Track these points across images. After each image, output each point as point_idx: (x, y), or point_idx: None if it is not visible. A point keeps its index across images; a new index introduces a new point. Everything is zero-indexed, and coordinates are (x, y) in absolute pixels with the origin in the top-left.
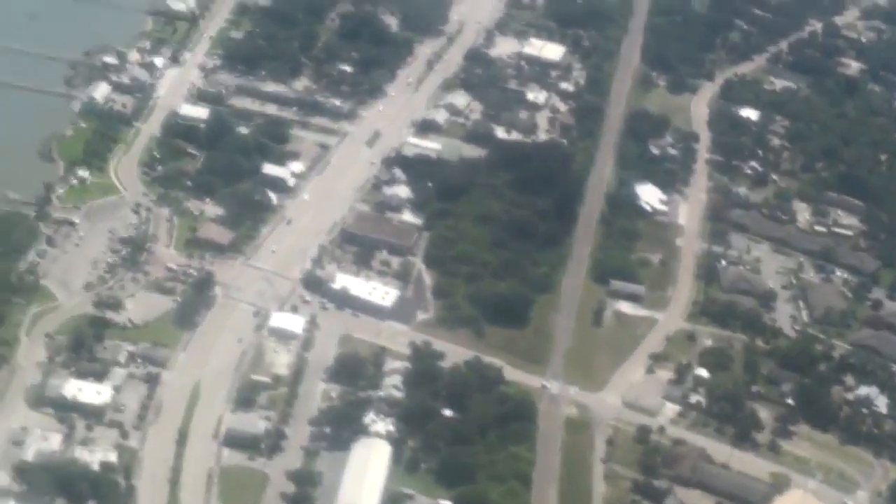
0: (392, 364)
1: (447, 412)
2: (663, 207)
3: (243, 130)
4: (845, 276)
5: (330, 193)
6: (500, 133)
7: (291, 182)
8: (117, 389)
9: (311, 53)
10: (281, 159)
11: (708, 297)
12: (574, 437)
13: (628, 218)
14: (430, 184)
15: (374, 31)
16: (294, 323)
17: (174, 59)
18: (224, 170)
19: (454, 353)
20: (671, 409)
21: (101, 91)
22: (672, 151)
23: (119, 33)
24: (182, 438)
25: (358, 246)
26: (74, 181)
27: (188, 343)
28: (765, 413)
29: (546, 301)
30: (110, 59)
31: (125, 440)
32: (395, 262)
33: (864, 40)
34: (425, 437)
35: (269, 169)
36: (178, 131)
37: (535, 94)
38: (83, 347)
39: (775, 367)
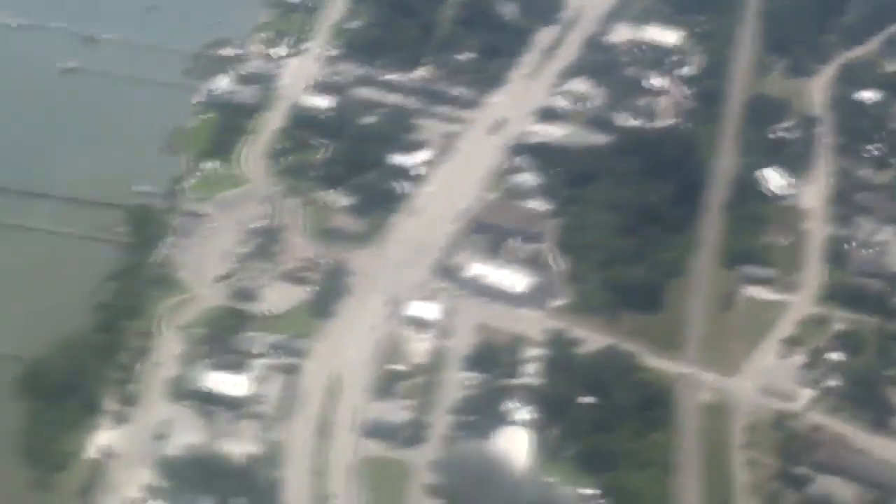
0: (529, 351)
1: (586, 399)
2: (788, 191)
3: (367, 120)
4: None
5: (457, 182)
6: (622, 119)
7: (418, 171)
8: (257, 381)
9: (430, 42)
10: (407, 148)
11: (837, 281)
12: (712, 424)
13: (754, 202)
14: (556, 171)
15: (491, 19)
16: (429, 311)
17: (294, 50)
18: (351, 160)
19: (590, 339)
20: (806, 393)
21: (222, 83)
22: (793, 135)
23: (238, 24)
24: (323, 429)
25: (488, 234)
26: (202, 173)
27: (325, 333)
28: None
29: (677, 286)
30: (231, 51)
31: (267, 432)
32: (526, 249)
33: None
34: (565, 424)
35: (396, 158)
36: (302, 122)
37: (654, 80)
38: (221, 339)
39: None
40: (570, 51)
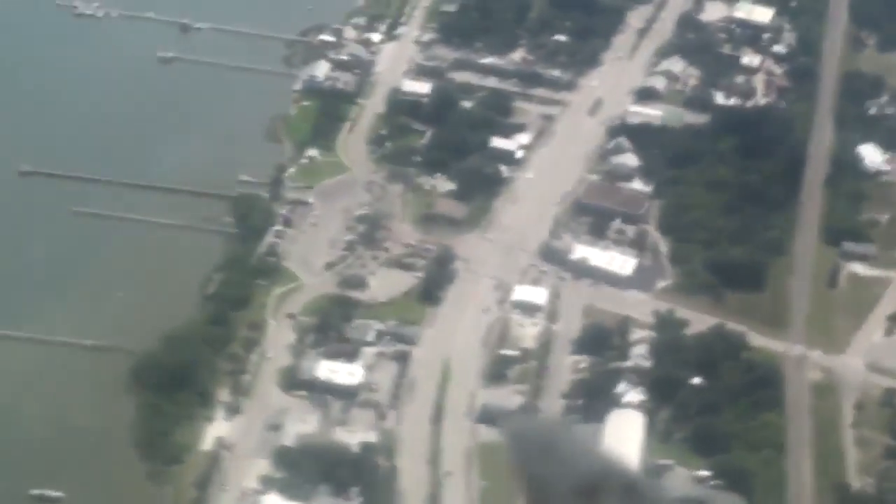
0: (637, 333)
1: (696, 380)
2: (887, 167)
3: (467, 104)
4: None
5: (558, 164)
6: (720, 98)
7: (519, 154)
8: (369, 369)
9: (525, 25)
10: (507, 132)
11: None
12: (821, 402)
13: (853, 179)
14: (656, 152)
15: (585, 0)
16: (537, 295)
17: (390, 35)
18: (452, 145)
19: (697, 319)
20: None
21: (321, 69)
22: (890, 111)
23: (333, 10)
24: (437, 416)
25: (591, 216)
26: (304, 161)
27: (434, 319)
28: None
29: (780, 264)
30: (327, 37)
31: (382, 420)
32: (629, 230)
33: None
34: (676, 406)
35: (497, 142)
36: (401, 107)
37: (749, 58)
38: (331, 327)
39: None
40: (663, 30)
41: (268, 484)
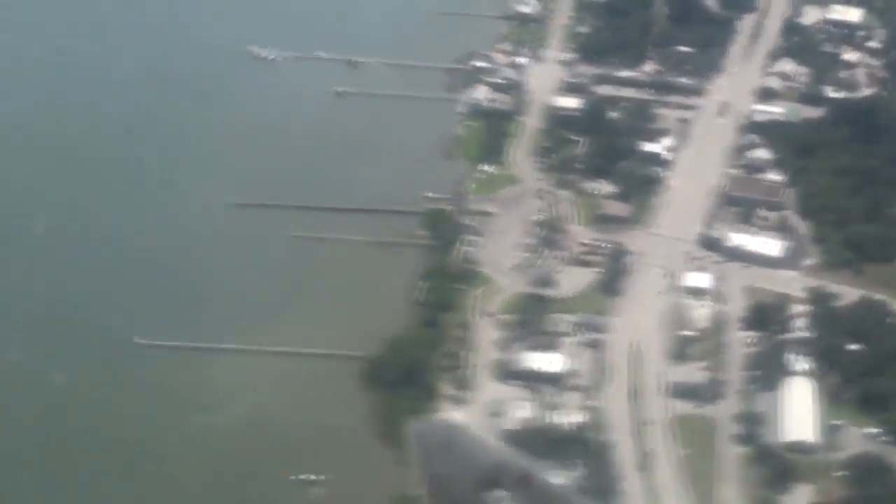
0: (794, 308)
1: (853, 346)
2: None
3: (613, 115)
4: None
5: (700, 162)
6: (830, 93)
7: (666, 155)
8: (569, 357)
9: (651, 40)
10: (652, 136)
11: None
12: None
13: None
14: (785, 144)
15: (699, 14)
16: (703, 280)
17: (535, 57)
18: (607, 151)
19: (843, 292)
20: None
21: (481, 93)
22: None
23: (481, 39)
24: (634, 394)
25: (737, 206)
26: (480, 175)
27: (617, 308)
28: None
29: None
30: (481, 63)
31: (587, 401)
32: (772, 216)
33: None
34: (841, 371)
35: (645, 146)
36: (556, 121)
37: (848, 55)
38: (530, 322)
39: None
40: (770, 35)
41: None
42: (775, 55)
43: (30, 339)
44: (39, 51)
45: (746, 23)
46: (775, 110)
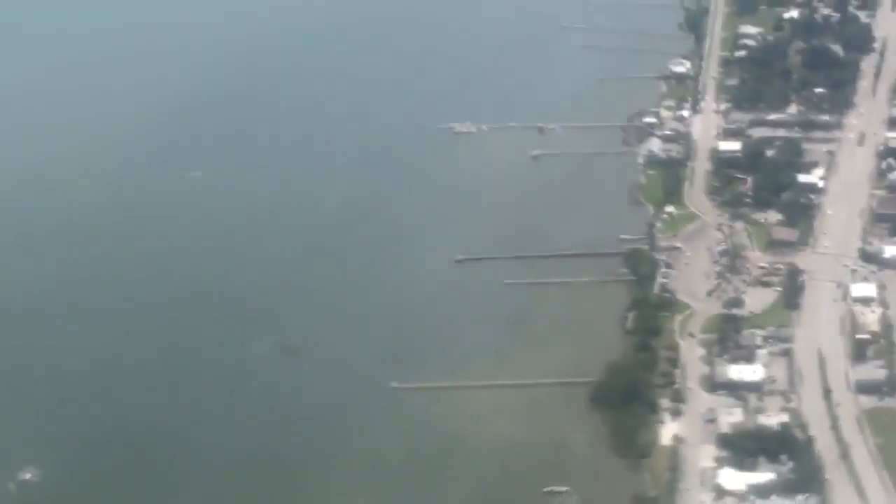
0: None
1: None
2: None
3: (769, 153)
4: None
5: (849, 186)
6: None
7: (820, 184)
8: (765, 366)
9: (790, 85)
10: (806, 168)
11: None
12: None
13: None
14: None
15: (828, 58)
16: (868, 289)
17: (695, 109)
18: (769, 185)
19: None
20: None
21: (654, 144)
22: None
23: (647, 98)
24: (826, 393)
25: (886, 222)
26: (664, 216)
27: (799, 320)
28: None
29: None
30: (650, 119)
31: (787, 403)
32: None
33: None
34: None
35: (802, 178)
36: (723, 163)
37: None
38: (727, 339)
39: None
40: (890, 71)
41: (719, 462)
42: None
43: (309, 388)
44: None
45: (868, 63)
46: None
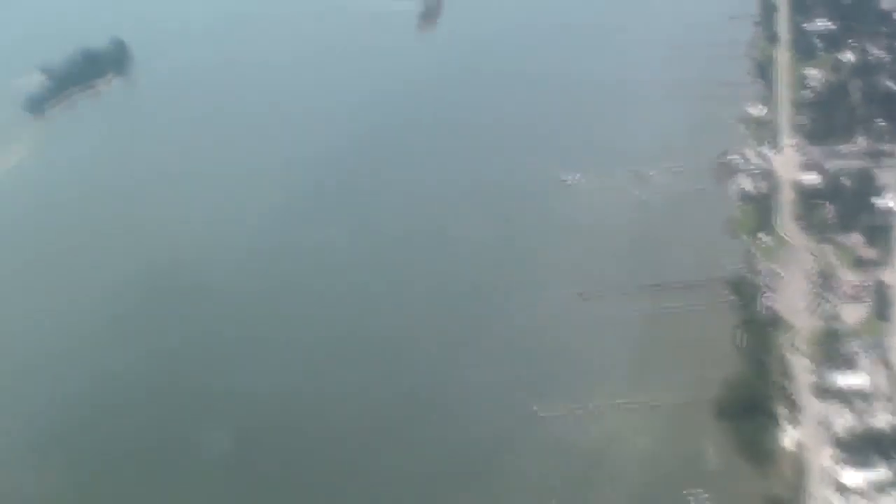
0: None
1: None
2: None
3: (845, 182)
4: None
5: None
6: None
7: (894, 207)
8: (867, 373)
9: (856, 119)
10: (880, 193)
11: None
12: None
13: None
14: None
15: (884, 94)
16: None
17: (775, 147)
18: (851, 211)
19: None
20: None
21: (743, 181)
22: None
23: (729, 140)
24: None
25: None
26: (760, 243)
27: (891, 330)
28: None
29: None
30: (735, 157)
31: (892, 404)
32: None
33: None
34: None
35: (878, 202)
36: (806, 193)
37: None
38: (831, 350)
39: None
40: None
41: (838, 462)
42: None
43: (460, 415)
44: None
45: None
46: None
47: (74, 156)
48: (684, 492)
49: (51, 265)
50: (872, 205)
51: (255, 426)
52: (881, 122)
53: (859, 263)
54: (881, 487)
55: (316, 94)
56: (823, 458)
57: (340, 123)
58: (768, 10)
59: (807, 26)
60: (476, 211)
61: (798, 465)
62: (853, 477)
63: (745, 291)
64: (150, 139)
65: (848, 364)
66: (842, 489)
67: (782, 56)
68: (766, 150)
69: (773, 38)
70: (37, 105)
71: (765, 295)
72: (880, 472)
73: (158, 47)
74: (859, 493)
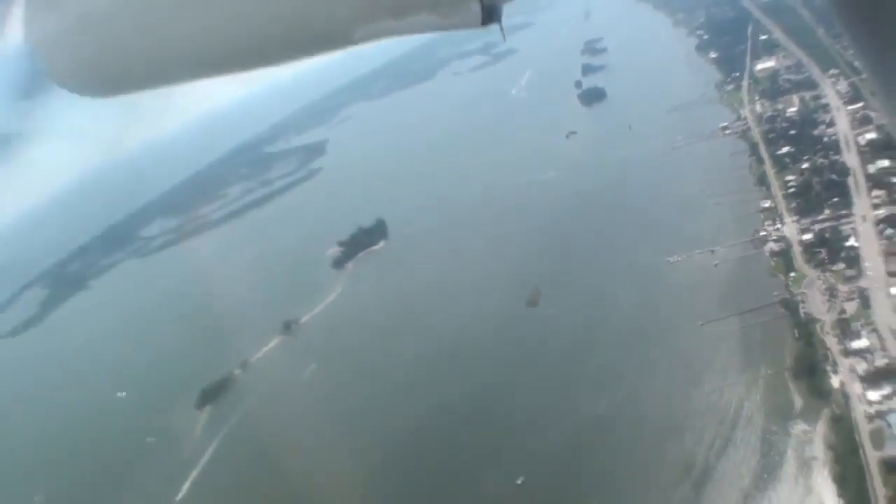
0: None
1: None
2: None
3: (826, 235)
4: None
5: None
6: None
7: None
8: (867, 340)
9: (822, 201)
10: (848, 237)
11: None
12: None
13: None
14: None
15: (832, 182)
16: None
17: (783, 223)
18: (834, 251)
19: None
20: None
21: (769, 245)
22: None
23: (754, 223)
24: None
25: None
26: (790, 278)
27: (875, 313)
28: None
29: None
30: (762, 232)
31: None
32: None
33: None
34: None
35: (846, 243)
36: (806, 246)
37: None
38: (845, 330)
39: None
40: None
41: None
42: None
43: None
44: None
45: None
46: None
47: (367, 292)
48: None
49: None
50: (845, 245)
51: None
52: (836, 200)
53: (846, 279)
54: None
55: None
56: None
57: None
58: (754, 147)
59: (778, 151)
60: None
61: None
62: (874, 395)
63: (790, 305)
64: (408, 279)
65: (856, 336)
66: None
67: (770, 170)
68: (777, 225)
69: (760, 160)
70: (339, 264)
71: (801, 305)
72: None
73: (407, 218)
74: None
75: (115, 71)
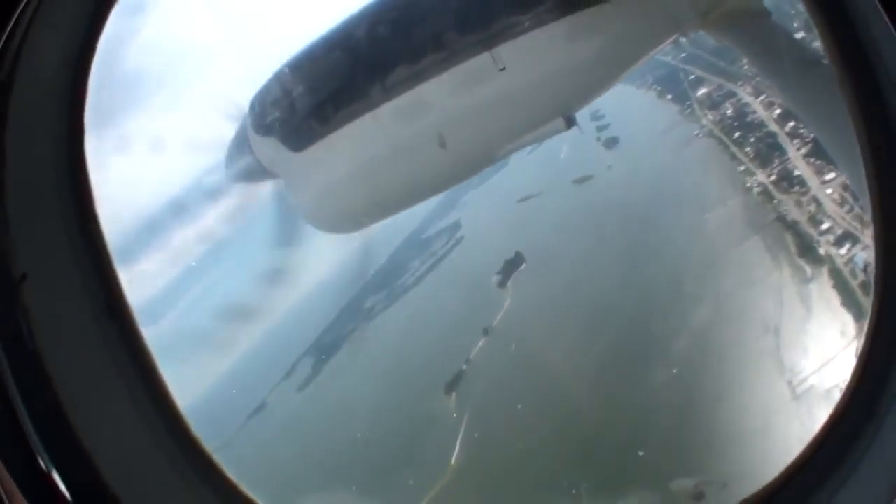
0: None
1: None
2: None
3: None
4: None
5: None
6: None
7: None
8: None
9: None
10: None
11: None
12: None
13: None
14: None
15: None
16: None
17: None
18: None
19: None
20: None
21: None
22: None
23: None
24: None
25: None
26: None
27: None
28: None
29: None
30: None
31: None
32: None
33: None
34: None
35: None
36: None
37: None
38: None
39: None
40: None
41: None
42: None
43: None
44: None
45: None
46: None
47: (530, 295)
48: None
49: None
50: None
51: None
52: None
53: None
54: None
55: None
56: None
57: None
58: None
59: None
60: None
61: None
62: None
63: None
64: (553, 285)
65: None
66: None
67: None
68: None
69: None
70: (502, 284)
71: None
72: None
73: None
74: None
75: (364, 214)
